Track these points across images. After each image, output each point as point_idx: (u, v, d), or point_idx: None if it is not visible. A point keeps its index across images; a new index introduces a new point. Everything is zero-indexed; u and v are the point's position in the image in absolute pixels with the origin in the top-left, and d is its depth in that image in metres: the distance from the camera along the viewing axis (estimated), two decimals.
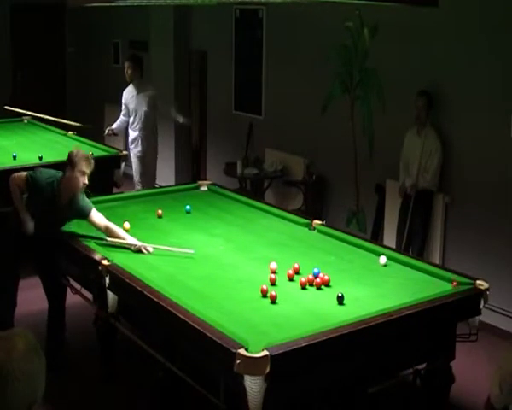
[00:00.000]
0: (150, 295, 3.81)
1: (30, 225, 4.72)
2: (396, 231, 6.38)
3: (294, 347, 3.25)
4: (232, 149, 8.58)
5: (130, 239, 4.66)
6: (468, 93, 6.01)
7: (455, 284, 4.15)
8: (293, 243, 4.88)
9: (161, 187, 7.57)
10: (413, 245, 6.27)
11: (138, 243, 4.58)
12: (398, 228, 6.36)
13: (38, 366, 1.72)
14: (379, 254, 4.55)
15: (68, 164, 4.67)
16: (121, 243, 4.63)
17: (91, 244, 4.61)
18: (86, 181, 4.66)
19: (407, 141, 6.31)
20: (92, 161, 4.71)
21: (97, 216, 4.77)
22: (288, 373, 3.31)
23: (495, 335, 5.72)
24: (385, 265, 4.40)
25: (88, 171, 4.65)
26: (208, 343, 3.33)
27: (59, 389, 4.55)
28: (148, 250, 4.57)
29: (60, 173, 4.76)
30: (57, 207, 4.72)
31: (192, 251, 4.53)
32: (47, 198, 4.69)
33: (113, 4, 5.59)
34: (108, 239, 4.67)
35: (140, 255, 4.52)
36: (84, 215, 4.77)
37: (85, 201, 4.80)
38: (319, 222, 5.18)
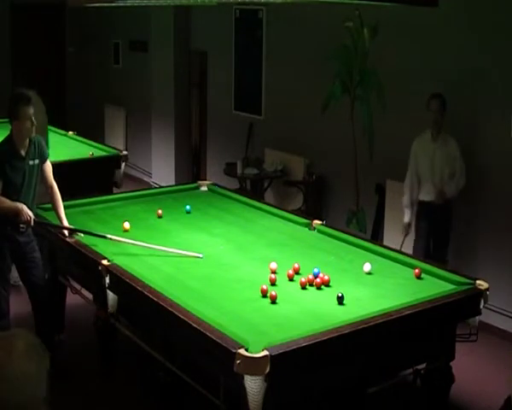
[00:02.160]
0: (150, 295, 3.81)
1: (24, 207, 4.65)
2: (417, 246, 5.86)
3: (294, 347, 3.25)
4: (232, 149, 8.58)
5: (64, 222, 4.80)
6: (468, 93, 6.01)
7: (417, 271, 4.23)
8: (293, 243, 4.88)
9: (161, 187, 7.57)
10: (437, 255, 5.72)
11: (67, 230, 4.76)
12: (419, 242, 5.87)
13: (40, 366, 1.71)
14: (378, 255, 4.57)
15: (10, 118, 4.68)
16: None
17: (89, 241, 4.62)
18: (34, 121, 4.65)
19: (419, 149, 5.86)
20: (29, 97, 4.66)
21: (50, 167, 4.92)
22: (288, 373, 3.31)
23: (495, 335, 5.73)
24: (369, 273, 4.32)
25: (30, 111, 4.63)
26: (208, 343, 3.33)
27: (59, 389, 4.54)
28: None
29: (5, 136, 4.78)
30: (25, 161, 4.71)
31: (201, 255, 4.52)
32: (13, 161, 4.67)
33: (113, 4, 5.58)
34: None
35: (140, 256, 4.52)
36: (44, 155, 4.88)
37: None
38: (319, 222, 5.17)
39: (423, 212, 5.91)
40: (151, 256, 4.52)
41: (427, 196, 5.87)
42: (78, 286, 4.98)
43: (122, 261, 4.28)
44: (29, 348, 1.70)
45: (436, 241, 5.92)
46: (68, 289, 5.17)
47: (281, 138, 7.98)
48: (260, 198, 6.86)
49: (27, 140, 4.73)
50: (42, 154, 4.85)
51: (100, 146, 7.50)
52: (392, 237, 6.45)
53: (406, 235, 5.96)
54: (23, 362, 1.67)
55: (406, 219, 5.95)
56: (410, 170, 5.94)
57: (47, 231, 4.93)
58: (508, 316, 5.80)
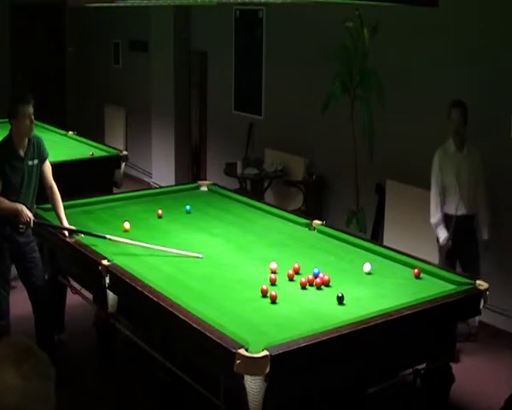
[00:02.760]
0: (150, 295, 3.81)
1: (24, 208, 4.64)
2: (448, 262, 5.45)
3: (294, 347, 3.25)
4: (232, 149, 8.58)
5: (64, 222, 4.79)
6: (468, 94, 6.01)
7: (416, 271, 4.23)
8: (293, 243, 4.88)
9: (161, 187, 7.57)
10: (470, 269, 5.30)
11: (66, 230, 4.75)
12: (448, 258, 5.50)
13: (31, 380, 1.59)
14: (378, 255, 4.57)
15: (9, 117, 4.69)
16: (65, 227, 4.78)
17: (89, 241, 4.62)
18: (33, 118, 4.66)
19: (443, 162, 5.45)
20: (29, 97, 4.68)
21: (50, 168, 4.92)
22: (288, 373, 3.31)
23: (495, 335, 5.73)
24: (369, 273, 4.30)
25: (29, 110, 4.64)
26: (208, 343, 3.33)
27: (58, 389, 4.53)
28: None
29: (3, 136, 4.78)
30: (24, 162, 4.71)
31: (201, 255, 4.52)
32: (12, 161, 4.67)
33: (113, 4, 5.59)
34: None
35: (140, 256, 4.52)
36: (44, 155, 4.88)
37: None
38: (319, 222, 5.17)
39: (452, 227, 5.48)
40: (151, 256, 4.52)
41: (453, 210, 5.49)
42: (78, 286, 4.98)
43: (122, 261, 4.28)
44: (18, 359, 1.58)
45: (467, 256, 5.55)
46: (68, 289, 5.17)
47: (281, 138, 7.99)
48: (260, 198, 6.86)
49: (26, 140, 4.73)
50: (41, 154, 4.85)
51: (100, 146, 7.49)
52: (392, 237, 6.46)
53: (446, 250, 5.51)
54: (5, 372, 1.55)
55: (442, 237, 5.46)
56: (436, 185, 5.49)
57: (47, 231, 4.93)
58: (508, 316, 5.79)
